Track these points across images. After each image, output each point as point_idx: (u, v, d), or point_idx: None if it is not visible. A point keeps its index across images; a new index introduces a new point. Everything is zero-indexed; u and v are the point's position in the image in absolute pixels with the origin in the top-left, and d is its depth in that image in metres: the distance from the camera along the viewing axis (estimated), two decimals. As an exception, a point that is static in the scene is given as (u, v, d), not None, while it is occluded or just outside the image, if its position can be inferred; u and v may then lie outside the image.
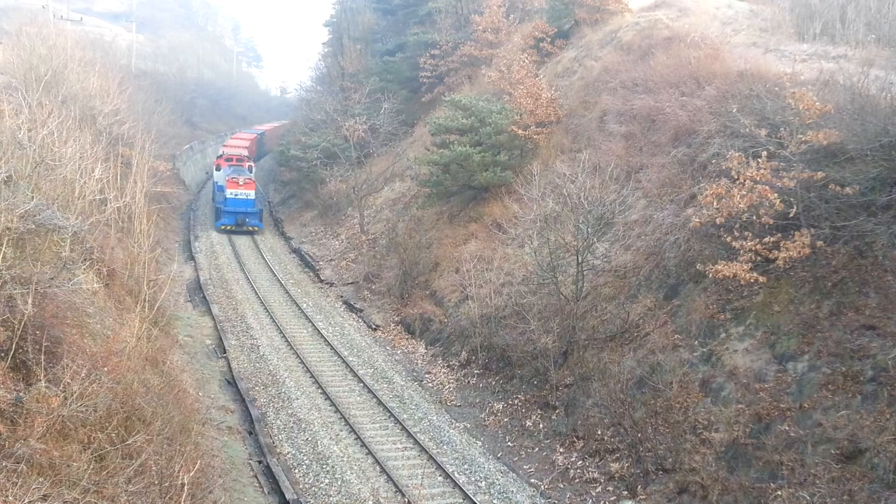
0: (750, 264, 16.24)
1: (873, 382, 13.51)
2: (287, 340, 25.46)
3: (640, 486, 15.45)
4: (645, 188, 22.19)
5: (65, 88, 28.45)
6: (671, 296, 18.79)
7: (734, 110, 18.82)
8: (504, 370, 21.20)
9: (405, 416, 20.02)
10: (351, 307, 29.97)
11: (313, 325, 27.33)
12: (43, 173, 17.67)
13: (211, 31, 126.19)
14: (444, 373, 23.06)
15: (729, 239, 16.69)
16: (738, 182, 16.83)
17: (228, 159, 46.18)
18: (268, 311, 28.70)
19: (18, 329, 11.08)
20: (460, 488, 16.16)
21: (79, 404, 10.73)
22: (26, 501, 8.53)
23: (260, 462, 17.02)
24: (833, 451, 13.08)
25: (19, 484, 8.77)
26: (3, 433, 9.65)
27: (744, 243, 16.41)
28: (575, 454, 17.26)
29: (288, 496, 15.31)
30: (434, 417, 20.21)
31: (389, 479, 16.27)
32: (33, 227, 14.27)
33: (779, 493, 13.14)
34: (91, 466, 10.22)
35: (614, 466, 16.18)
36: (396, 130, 40.92)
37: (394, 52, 46.97)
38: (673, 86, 24.65)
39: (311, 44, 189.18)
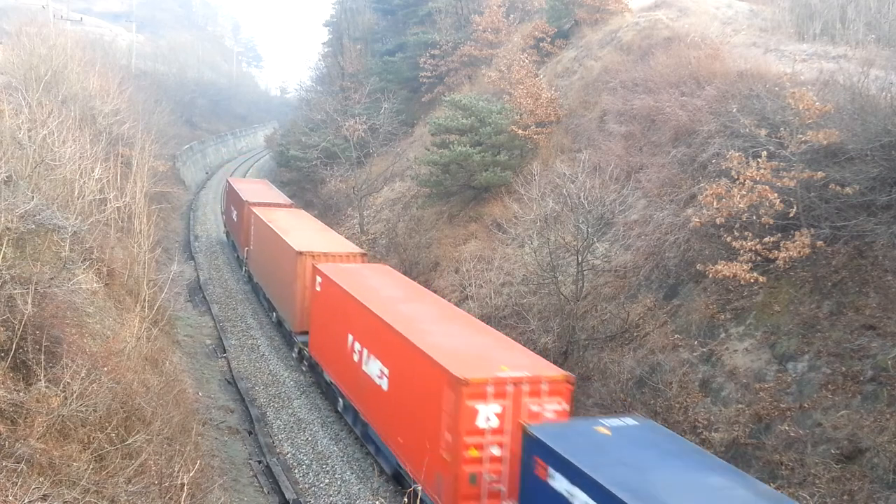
0: (750, 264, 16.22)
1: (873, 382, 13.51)
2: (287, 340, 25.43)
3: (640, 486, 15.43)
4: (645, 188, 22.17)
5: (65, 88, 28.43)
6: (671, 296, 18.79)
7: (734, 110, 18.80)
8: (504, 370, 21.17)
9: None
10: (351, 307, 29.91)
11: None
12: (43, 173, 17.68)
13: (211, 31, 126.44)
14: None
15: (729, 239, 16.67)
16: (738, 182, 16.81)
17: None
18: (268, 311, 28.66)
19: (18, 329, 11.07)
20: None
21: (79, 404, 10.73)
22: (26, 501, 8.52)
23: (260, 462, 17.03)
24: (833, 451, 13.07)
25: (19, 484, 8.77)
26: (3, 433, 9.65)
27: (744, 243, 16.39)
28: (575, 454, 17.21)
29: (288, 496, 15.32)
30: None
31: (390, 478, 16.25)
32: (33, 227, 14.28)
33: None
34: (91, 466, 10.23)
35: (614, 466, 16.14)
36: (396, 130, 40.86)
37: (394, 52, 46.91)
38: (673, 86, 24.63)
39: (311, 44, 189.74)
